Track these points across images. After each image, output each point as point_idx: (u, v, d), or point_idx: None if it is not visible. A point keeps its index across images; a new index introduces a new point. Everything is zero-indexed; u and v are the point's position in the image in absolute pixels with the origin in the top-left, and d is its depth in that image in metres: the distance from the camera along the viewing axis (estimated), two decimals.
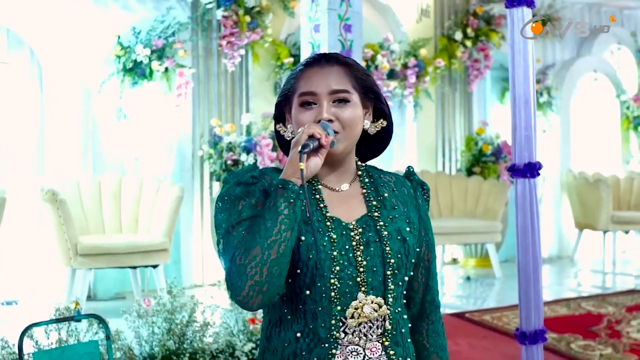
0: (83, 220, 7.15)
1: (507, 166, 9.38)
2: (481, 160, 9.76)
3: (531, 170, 3.31)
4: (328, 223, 2.12)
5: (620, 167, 11.98)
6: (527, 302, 3.39)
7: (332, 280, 2.07)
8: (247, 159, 7.67)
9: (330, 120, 2.13)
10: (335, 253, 2.08)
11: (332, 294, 2.07)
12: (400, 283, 2.16)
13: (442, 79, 9.94)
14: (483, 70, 10.05)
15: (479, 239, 9.02)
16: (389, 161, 9.39)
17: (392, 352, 2.14)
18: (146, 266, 6.91)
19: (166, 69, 7.73)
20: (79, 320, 4.13)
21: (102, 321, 3.97)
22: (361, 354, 2.11)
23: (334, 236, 2.10)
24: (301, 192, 2.02)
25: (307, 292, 2.07)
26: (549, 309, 7.01)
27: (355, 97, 2.18)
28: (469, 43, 9.84)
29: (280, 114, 2.28)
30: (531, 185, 3.34)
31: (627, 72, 12.21)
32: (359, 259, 2.11)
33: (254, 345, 5.15)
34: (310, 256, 2.06)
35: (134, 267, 6.92)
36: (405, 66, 9.34)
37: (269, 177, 2.16)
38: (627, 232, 10.77)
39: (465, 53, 9.89)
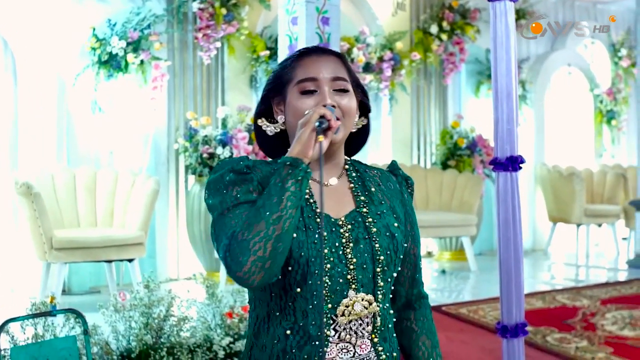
0: (58, 213, 7.09)
1: (482, 159, 9.44)
2: (456, 154, 9.77)
3: (513, 163, 3.30)
4: (318, 220, 2.10)
5: (593, 160, 12.05)
6: (509, 296, 3.39)
7: (323, 278, 2.05)
8: (222, 152, 7.63)
9: (332, 106, 2.12)
10: (326, 251, 2.07)
11: (323, 291, 2.05)
12: (389, 279, 2.16)
13: (418, 72, 9.95)
14: (458, 63, 10.07)
15: (454, 233, 9.04)
16: (364, 154, 9.39)
17: (380, 349, 2.14)
18: (122, 260, 6.86)
19: (142, 61, 7.68)
20: (55, 315, 4.08)
21: (80, 316, 3.93)
22: (351, 351, 2.11)
23: (324, 233, 2.08)
24: (309, 170, 2.00)
25: (298, 289, 2.05)
26: (525, 302, 7.02)
27: (351, 88, 2.18)
28: (444, 36, 9.85)
29: (267, 108, 2.25)
30: (513, 178, 3.33)
31: (601, 66, 12.28)
32: (349, 256, 2.10)
33: (231, 340, 5.12)
34: (302, 253, 2.04)
35: (109, 261, 6.87)
36: (380, 59, 9.34)
37: (259, 169, 2.13)
38: (599, 225, 10.83)
39: (441, 46, 9.90)
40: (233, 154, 7.61)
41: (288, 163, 1.99)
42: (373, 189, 2.24)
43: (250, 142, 7.71)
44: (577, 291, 7.71)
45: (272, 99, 2.23)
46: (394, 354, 2.19)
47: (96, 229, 7.11)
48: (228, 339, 5.09)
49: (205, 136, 7.77)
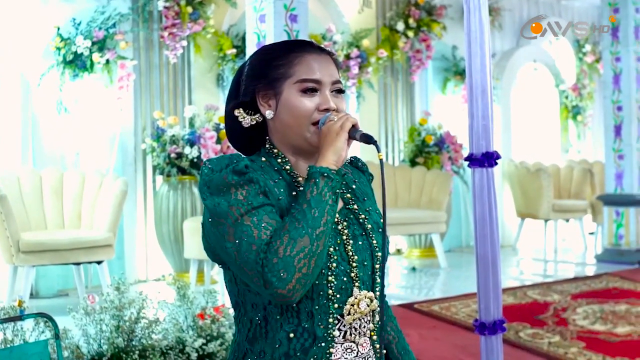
0: (24, 216, 6.99)
1: (450, 156, 9.44)
2: (424, 151, 9.77)
3: (489, 159, 3.29)
4: None
5: (560, 156, 12.11)
6: (486, 293, 3.36)
7: (330, 277, 2.01)
8: (190, 152, 7.57)
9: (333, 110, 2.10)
10: (331, 249, 2.02)
11: (330, 291, 2.01)
12: (382, 276, 2.12)
13: (385, 69, 9.94)
14: (425, 60, 10.08)
15: (423, 230, 9.03)
16: None
17: (377, 346, 2.12)
18: (90, 262, 6.77)
19: (107, 60, 7.59)
20: (24, 319, 4.02)
21: (50, 320, 3.87)
22: (355, 350, 2.07)
23: None
24: (343, 182, 1.99)
25: None
26: None
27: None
28: (410, 33, 9.85)
29: (250, 100, 2.16)
30: (489, 174, 3.32)
31: (566, 62, 12.34)
32: (350, 253, 2.06)
33: (204, 341, 5.07)
34: None
35: (78, 264, 6.77)
36: (347, 57, 9.32)
37: (252, 168, 2.04)
38: (567, 220, 10.88)
39: (407, 43, 9.89)
40: (201, 153, 7.55)
41: (325, 174, 1.96)
42: (354, 186, 2.22)
43: (218, 142, 7.65)
44: (548, 286, 7.72)
45: (257, 91, 2.15)
46: (384, 351, 2.19)
47: (64, 231, 7.01)
48: (201, 341, 5.04)
49: (173, 136, 7.70)
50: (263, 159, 2.13)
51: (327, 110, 2.08)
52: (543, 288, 7.62)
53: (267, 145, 2.16)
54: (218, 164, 2.01)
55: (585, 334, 6.26)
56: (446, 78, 10.67)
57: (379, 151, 2.00)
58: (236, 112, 2.17)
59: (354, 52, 9.30)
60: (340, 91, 2.13)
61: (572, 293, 7.42)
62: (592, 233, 11.11)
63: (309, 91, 2.09)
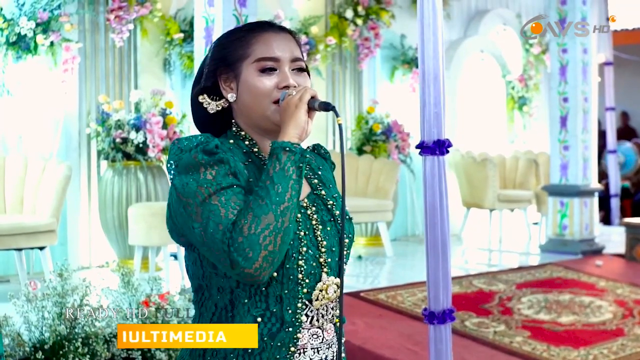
0: None
1: (397, 145, 9.42)
2: (372, 139, 9.76)
3: (440, 147, 3.27)
4: None
5: (505, 146, 12.18)
6: (436, 282, 3.35)
7: (300, 262, 2.00)
8: (136, 137, 7.46)
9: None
10: (302, 233, 2.01)
11: (300, 275, 2.00)
12: (347, 263, 2.15)
13: (333, 57, 9.89)
14: (373, 48, 10.06)
15: (370, 218, 9.02)
16: None
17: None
18: (32, 248, 6.64)
19: (52, 43, 7.43)
20: None
21: None
22: (320, 336, 2.07)
23: (298, 215, 2.03)
24: (306, 155, 1.95)
25: (275, 274, 1.98)
26: None
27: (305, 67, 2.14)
28: (359, 21, 9.82)
29: (212, 84, 2.13)
30: (440, 162, 3.30)
31: (513, 52, 12.41)
32: (319, 238, 2.06)
33: None
34: None
35: (20, 249, 6.64)
36: None
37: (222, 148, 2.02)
38: (512, 210, 10.96)
39: (356, 31, 9.86)
40: (147, 138, 7.44)
41: (287, 148, 1.92)
42: (319, 172, 2.21)
43: (164, 127, 7.56)
44: (493, 276, 7.76)
45: (219, 75, 2.12)
46: (344, 338, 2.18)
47: (5, 216, 6.88)
48: None
49: (118, 120, 7.58)
50: (231, 141, 2.10)
51: (287, 87, 2.05)
52: (488, 277, 7.65)
53: (234, 128, 2.13)
54: (188, 143, 1.99)
55: (530, 323, 6.31)
56: (394, 67, 10.65)
57: (337, 116, 1.97)
58: (200, 99, 2.14)
59: (303, 38, 9.25)
60: (302, 69, 2.11)
61: (517, 282, 7.46)
62: (535, 223, 11.20)
63: (268, 70, 2.06)
